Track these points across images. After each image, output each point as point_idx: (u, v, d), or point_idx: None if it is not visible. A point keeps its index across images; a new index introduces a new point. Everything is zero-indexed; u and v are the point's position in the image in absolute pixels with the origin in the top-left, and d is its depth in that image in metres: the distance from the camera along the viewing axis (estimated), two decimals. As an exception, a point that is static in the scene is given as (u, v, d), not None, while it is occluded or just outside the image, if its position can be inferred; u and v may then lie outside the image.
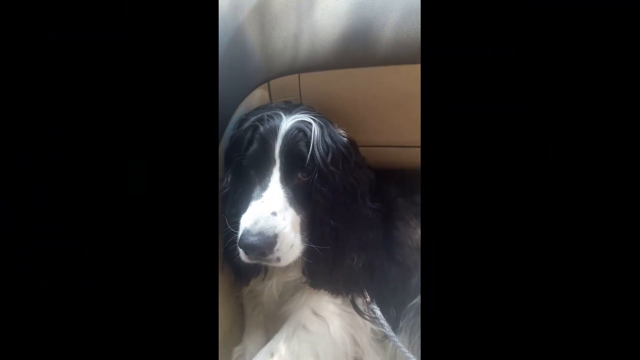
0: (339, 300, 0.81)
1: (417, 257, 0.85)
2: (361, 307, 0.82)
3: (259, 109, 0.76)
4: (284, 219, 0.64)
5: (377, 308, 0.81)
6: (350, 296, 0.82)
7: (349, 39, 0.73)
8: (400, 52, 0.71)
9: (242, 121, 0.74)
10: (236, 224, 0.66)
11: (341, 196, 0.71)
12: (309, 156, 0.67)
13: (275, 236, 0.63)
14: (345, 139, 0.75)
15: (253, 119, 0.72)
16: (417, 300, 0.84)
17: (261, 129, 0.69)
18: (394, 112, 0.82)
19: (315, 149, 0.68)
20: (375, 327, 0.83)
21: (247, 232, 0.62)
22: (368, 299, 0.81)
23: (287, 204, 0.66)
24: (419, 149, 0.49)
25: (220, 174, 0.75)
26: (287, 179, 0.68)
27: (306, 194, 0.69)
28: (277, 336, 0.78)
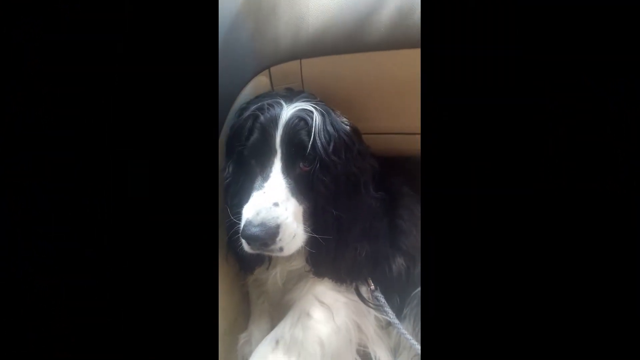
0: (343, 289, 0.81)
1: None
2: (365, 295, 0.82)
3: (260, 97, 0.74)
4: (286, 210, 0.64)
5: (382, 296, 0.81)
6: (354, 284, 0.82)
7: (351, 23, 0.71)
8: (403, 35, 0.69)
9: (242, 110, 0.73)
10: (238, 215, 0.65)
11: (343, 185, 0.70)
12: (310, 145, 0.66)
13: (278, 227, 0.62)
14: (348, 127, 0.74)
15: (253, 107, 0.70)
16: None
17: (261, 118, 0.68)
18: (399, 99, 0.80)
19: (317, 138, 0.66)
20: (379, 315, 0.83)
21: (249, 223, 0.61)
22: (372, 287, 0.81)
23: (289, 194, 0.66)
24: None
25: (222, 164, 0.75)
26: (289, 168, 0.67)
27: (308, 183, 0.68)
28: (281, 323, 0.78)
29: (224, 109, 0.74)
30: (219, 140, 0.75)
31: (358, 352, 0.83)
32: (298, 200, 0.67)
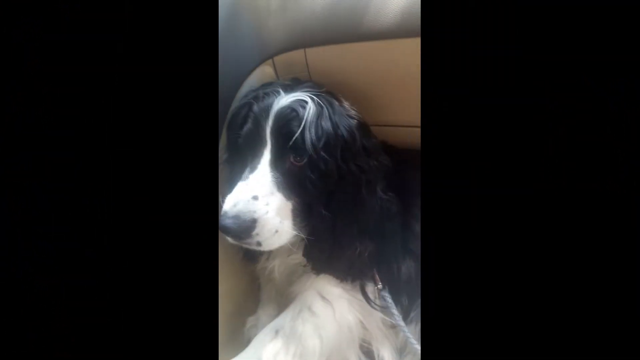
0: (347, 285, 0.79)
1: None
2: (371, 294, 0.79)
3: (263, 86, 0.72)
4: (267, 204, 0.62)
5: (389, 296, 0.77)
6: (359, 282, 0.79)
7: (357, 10, 0.66)
8: (411, 23, 0.63)
9: (241, 98, 0.71)
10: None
11: (338, 185, 0.66)
12: (297, 138, 0.63)
13: (254, 221, 0.60)
14: (355, 120, 0.69)
15: (250, 96, 0.69)
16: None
17: (255, 107, 0.66)
18: (414, 89, 0.73)
19: (307, 132, 0.63)
20: (384, 316, 0.80)
21: (224, 213, 0.60)
22: (379, 286, 0.78)
23: (273, 189, 0.63)
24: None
25: (221, 152, 0.75)
26: (278, 161, 0.65)
27: (297, 179, 0.65)
28: (283, 314, 0.78)
29: (227, 100, 0.74)
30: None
31: (362, 348, 0.82)
32: (285, 195, 0.64)
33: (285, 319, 0.77)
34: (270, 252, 0.80)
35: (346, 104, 0.71)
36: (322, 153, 0.63)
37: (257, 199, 0.61)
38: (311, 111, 0.64)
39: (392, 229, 0.77)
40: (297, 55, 0.73)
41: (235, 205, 0.60)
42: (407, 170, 0.82)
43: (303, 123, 0.63)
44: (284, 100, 0.66)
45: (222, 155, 0.74)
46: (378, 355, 0.81)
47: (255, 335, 0.81)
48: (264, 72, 0.76)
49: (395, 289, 0.79)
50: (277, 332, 0.76)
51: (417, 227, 0.80)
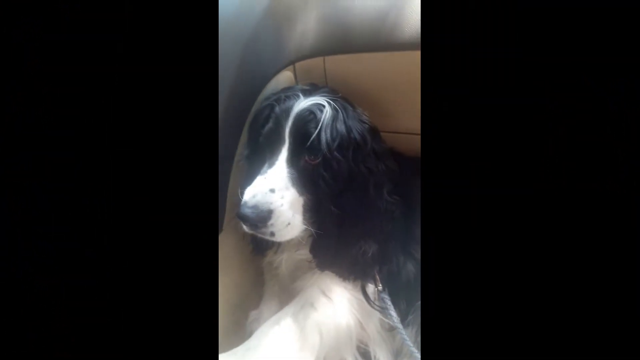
0: (349, 285, 0.82)
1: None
2: (371, 295, 0.82)
3: (284, 89, 0.77)
4: (282, 197, 0.66)
5: (388, 298, 0.80)
6: (360, 283, 0.82)
7: (376, 21, 0.71)
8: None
9: (264, 100, 0.77)
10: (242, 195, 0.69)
11: (347, 184, 0.71)
12: (314, 139, 0.68)
13: (270, 212, 0.65)
14: (367, 125, 0.74)
15: (272, 98, 0.74)
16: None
17: (276, 108, 0.71)
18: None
19: (322, 133, 0.68)
20: (382, 317, 0.82)
21: (244, 203, 0.65)
22: (380, 287, 0.81)
23: (288, 184, 0.68)
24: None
25: (241, 148, 0.79)
26: (294, 159, 0.70)
27: (311, 176, 0.70)
28: (286, 308, 0.81)
29: (250, 101, 0.78)
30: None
31: (359, 349, 0.84)
32: (298, 191, 0.69)
33: (287, 312, 0.79)
34: (279, 246, 0.84)
35: (359, 110, 0.76)
36: (336, 153, 0.68)
37: (274, 192, 0.66)
38: (328, 114, 0.69)
39: (394, 232, 0.81)
40: (316, 62, 0.78)
41: (254, 197, 0.65)
42: (412, 176, 0.86)
43: (320, 125, 0.68)
44: (303, 103, 0.71)
45: (243, 151, 0.79)
46: (374, 357, 0.83)
47: (256, 328, 0.84)
48: (284, 77, 0.81)
49: (394, 291, 0.82)
50: (279, 324, 0.78)
51: (418, 232, 0.84)
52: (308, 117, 0.69)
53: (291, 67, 0.81)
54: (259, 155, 0.75)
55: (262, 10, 0.78)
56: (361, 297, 0.82)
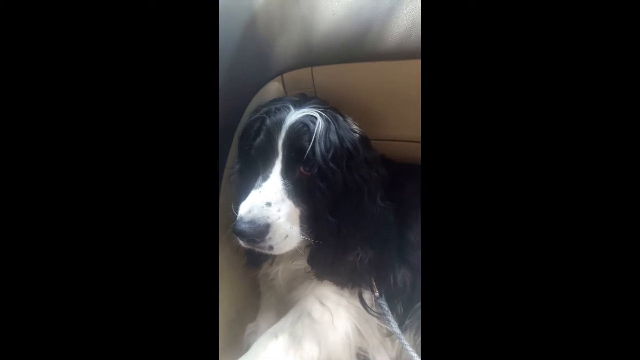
0: (346, 293, 0.82)
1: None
2: (368, 301, 0.83)
3: (273, 101, 0.77)
4: (279, 210, 0.66)
5: (385, 303, 0.81)
6: (358, 290, 0.82)
7: (362, 31, 0.72)
8: (414, 46, 0.69)
9: (254, 112, 0.76)
10: (237, 211, 0.69)
11: (343, 193, 0.71)
12: (309, 151, 0.68)
13: (267, 226, 0.65)
14: (357, 135, 0.75)
15: (263, 110, 0.74)
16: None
17: (267, 121, 0.71)
18: (411, 107, 0.79)
19: (317, 144, 0.68)
20: (380, 323, 0.83)
21: (240, 219, 0.65)
22: (377, 294, 0.82)
23: (284, 196, 0.68)
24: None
25: (232, 162, 0.79)
26: (288, 171, 0.70)
27: (306, 187, 0.70)
28: (283, 319, 0.81)
29: (238, 112, 0.78)
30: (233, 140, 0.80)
31: (358, 356, 0.84)
32: (294, 202, 0.69)
33: (285, 323, 0.80)
34: (274, 258, 0.83)
35: (349, 119, 0.77)
36: (331, 164, 0.68)
37: (270, 205, 0.66)
38: (320, 126, 0.69)
39: (389, 238, 0.82)
40: (304, 72, 0.78)
41: (250, 211, 0.65)
42: (403, 183, 0.87)
43: (314, 137, 0.68)
44: (295, 115, 0.71)
45: (234, 165, 0.78)
46: (374, 363, 0.83)
47: (254, 341, 0.83)
48: (273, 87, 0.81)
49: (391, 297, 0.83)
50: (277, 336, 0.78)
51: (412, 237, 0.85)
52: (301, 130, 0.70)
53: (279, 77, 0.81)
54: (251, 169, 0.75)
55: (246, 22, 0.78)
56: (358, 304, 0.83)
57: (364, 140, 0.76)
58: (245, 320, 0.92)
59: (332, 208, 0.71)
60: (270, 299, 0.93)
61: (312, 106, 0.73)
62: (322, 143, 0.68)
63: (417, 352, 0.76)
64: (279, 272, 0.85)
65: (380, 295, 0.82)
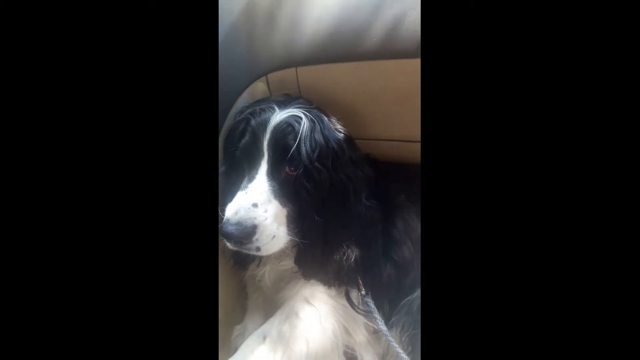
0: (333, 292, 0.83)
1: (414, 258, 0.85)
2: (355, 300, 0.83)
3: (257, 101, 0.77)
4: (265, 211, 0.66)
5: (372, 302, 0.81)
6: (344, 288, 0.83)
7: (347, 32, 0.72)
8: (397, 46, 0.70)
9: (238, 113, 0.76)
10: (223, 212, 0.69)
11: (329, 192, 0.72)
12: (294, 150, 0.68)
13: (254, 227, 0.65)
14: (342, 134, 0.75)
15: (247, 111, 0.74)
16: (410, 297, 0.84)
17: (252, 121, 0.71)
18: (395, 106, 0.80)
19: (302, 144, 0.68)
20: (367, 321, 0.84)
21: (227, 221, 0.64)
22: (363, 292, 0.82)
23: (271, 196, 0.68)
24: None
25: (218, 163, 0.79)
26: (274, 171, 0.70)
27: (292, 187, 0.70)
28: (270, 320, 0.81)
29: (223, 113, 0.78)
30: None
31: (346, 354, 0.85)
32: (281, 202, 0.69)
33: (272, 324, 0.80)
34: (261, 259, 0.83)
35: (334, 119, 0.78)
36: (316, 164, 0.69)
37: (257, 206, 0.66)
38: (305, 126, 0.70)
39: (374, 236, 0.83)
40: (289, 73, 0.79)
41: (236, 213, 0.65)
42: (387, 181, 0.88)
43: (299, 137, 0.69)
44: (279, 115, 0.71)
45: (220, 167, 0.78)
46: (362, 361, 0.84)
47: (241, 343, 0.83)
48: (257, 88, 0.81)
49: (377, 294, 0.84)
50: (264, 337, 0.78)
51: (397, 235, 0.86)
52: (286, 130, 0.70)
53: (264, 78, 0.81)
54: (237, 170, 0.74)
55: (230, 23, 0.78)
56: (345, 302, 0.83)
57: (349, 139, 0.77)
58: (232, 322, 0.92)
59: (318, 208, 0.72)
60: (258, 300, 0.93)
61: (296, 106, 0.73)
62: (308, 143, 0.69)
63: (403, 349, 0.77)
64: (266, 273, 0.85)
65: (367, 294, 0.82)
